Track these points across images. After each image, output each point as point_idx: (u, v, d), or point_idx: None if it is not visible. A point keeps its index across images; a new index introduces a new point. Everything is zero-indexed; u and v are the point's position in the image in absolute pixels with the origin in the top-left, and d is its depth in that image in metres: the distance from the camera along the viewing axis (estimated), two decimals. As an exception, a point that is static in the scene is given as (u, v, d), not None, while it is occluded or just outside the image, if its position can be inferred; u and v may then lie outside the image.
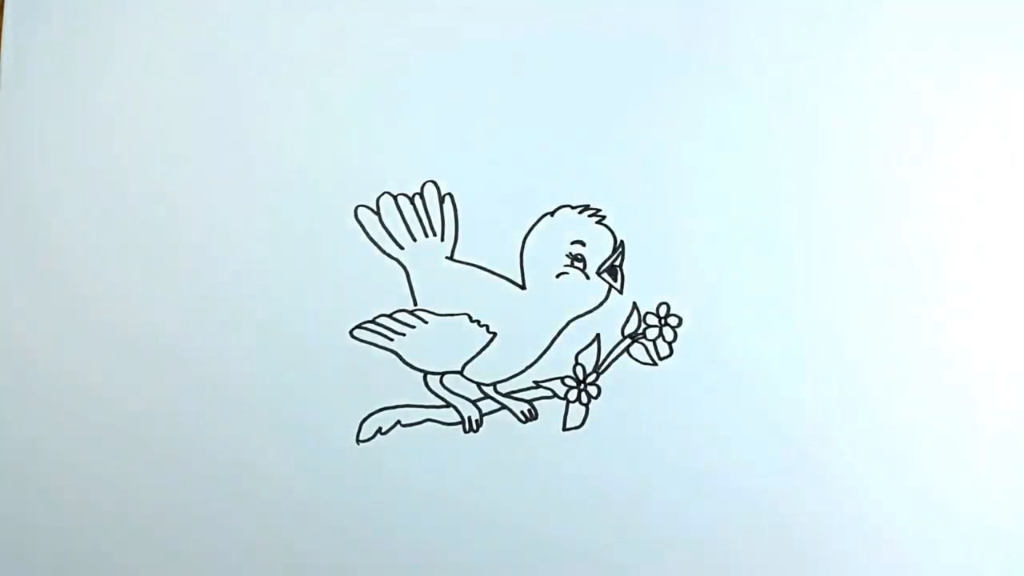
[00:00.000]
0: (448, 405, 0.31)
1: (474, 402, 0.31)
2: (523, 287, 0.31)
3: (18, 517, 0.31)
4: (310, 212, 0.32)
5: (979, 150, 0.31)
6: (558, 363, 0.31)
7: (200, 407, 0.31)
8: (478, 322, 0.31)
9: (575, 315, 0.31)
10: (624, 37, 0.32)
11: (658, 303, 0.31)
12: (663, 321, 0.31)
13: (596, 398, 0.31)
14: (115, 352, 0.31)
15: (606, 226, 0.31)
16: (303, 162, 0.32)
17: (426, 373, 0.31)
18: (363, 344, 0.31)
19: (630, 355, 0.31)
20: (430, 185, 0.32)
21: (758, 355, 0.30)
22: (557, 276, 0.31)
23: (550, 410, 0.31)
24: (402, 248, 0.32)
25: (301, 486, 0.31)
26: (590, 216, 0.31)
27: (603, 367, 0.31)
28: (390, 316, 0.31)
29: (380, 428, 0.31)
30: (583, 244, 0.31)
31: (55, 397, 0.31)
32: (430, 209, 0.32)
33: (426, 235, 0.32)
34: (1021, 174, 0.31)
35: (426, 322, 0.31)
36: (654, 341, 0.31)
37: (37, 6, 0.33)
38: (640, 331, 0.31)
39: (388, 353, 0.31)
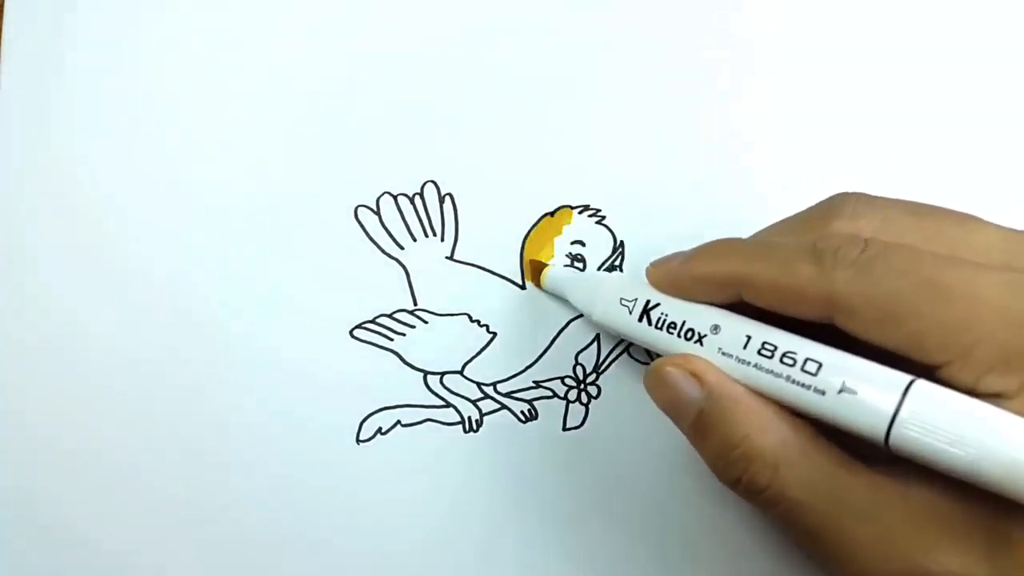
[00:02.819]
0: (448, 405, 0.31)
1: (474, 402, 0.31)
2: (523, 287, 0.31)
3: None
4: (310, 212, 0.32)
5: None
6: (558, 363, 0.31)
7: (198, 407, 0.31)
8: (478, 322, 0.31)
9: (575, 315, 0.31)
10: (625, 36, 0.32)
11: (658, 303, 0.31)
12: (663, 321, 0.31)
13: (596, 398, 0.31)
14: (113, 353, 0.31)
15: (606, 226, 0.31)
16: (303, 162, 0.32)
17: (426, 373, 0.31)
18: (363, 344, 0.31)
19: (630, 355, 0.31)
20: (430, 185, 0.32)
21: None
22: (557, 276, 0.31)
23: (550, 410, 0.31)
24: (402, 248, 0.32)
25: (301, 486, 0.31)
26: (590, 216, 0.31)
27: (603, 367, 0.31)
28: (390, 316, 0.31)
29: (380, 428, 0.31)
30: (583, 244, 0.31)
31: (54, 398, 0.31)
32: (430, 209, 0.32)
33: (426, 235, 0.32)
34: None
35: (426, 322, 0.31)
36: (654, 341, 0.31)
37: (37, 6, 0.33)
38: (640, 331, 0.31)
39: (388, 353, 0.31)
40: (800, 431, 0.22)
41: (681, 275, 0.26)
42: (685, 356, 0.24)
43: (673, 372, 0.24)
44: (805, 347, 0.22)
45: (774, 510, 0.22)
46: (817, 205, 0.25)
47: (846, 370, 0.21)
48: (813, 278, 0.22)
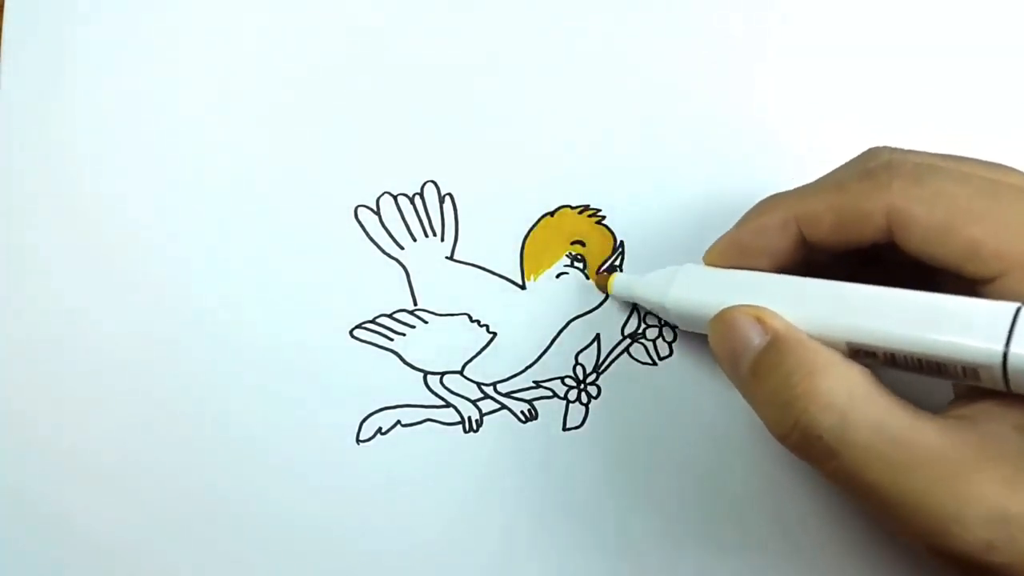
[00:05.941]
0: (448, 405, 0.31)
1: (474, 402, 0.31)
2: (523, 287, 0.31)
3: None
4: (310, 212, 0.32)
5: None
6: (558, 363, 0.31)
7: (198, 407, 0.31)
8: (478, 322, 0.31)
9: (575, 315, 0.31)
10: (626, 36, 0.32)
11: (658, 303, 0.31)
12: (663, 321, 0.31)
13: (596, 398, 0.31)
14: (113, 353, 0.31)
15: (606, 226, 0.31)
16: (303, 162, 0.32)
17: (426, 373, 0.31)
18: (363, 344, 0.31)
19: (630, 355, 0.31)
20: (430, 185, 0.32)
21: (758, 355, 0.30)
22: (557, 276, 0.31)
23: (550, 410, 0.31)
24: (402, 248, 0.32)
25: (301, 486, 0.31)
26: (590, 216, 0.31)
27: (603, 367, 0.31)
28: (390, 316, 0.31)
29: (380, 428, 0.31)
30: (583, 244, 0.31)
31: (54, 398, 0.31)
32: (430, 209, 0.32)
33: (426, 235, 0.32)
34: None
35: (426, 322, 0.31)
36: (654, 341, 0.31)
37: (37, 5, 0.33)
38: (640, 331, 0.31)
39: (388, 353, 0.31)
40: (866, 375, 0.21)
41: (739, 237, 0.25)
42: (752, 305, 0.24)
43: (738, 317, 0.24)
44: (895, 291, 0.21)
45: (834, 462, 0.20)
46: (851, 160, 0.24)
47: (943, 301, 0.20)
48: (870, 193, 0.22)
